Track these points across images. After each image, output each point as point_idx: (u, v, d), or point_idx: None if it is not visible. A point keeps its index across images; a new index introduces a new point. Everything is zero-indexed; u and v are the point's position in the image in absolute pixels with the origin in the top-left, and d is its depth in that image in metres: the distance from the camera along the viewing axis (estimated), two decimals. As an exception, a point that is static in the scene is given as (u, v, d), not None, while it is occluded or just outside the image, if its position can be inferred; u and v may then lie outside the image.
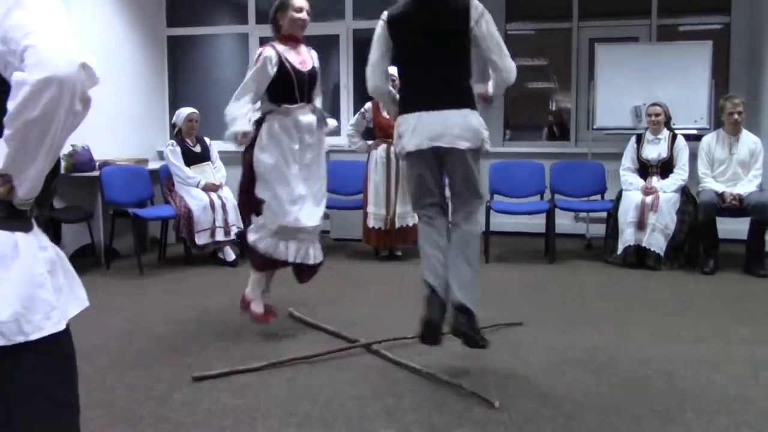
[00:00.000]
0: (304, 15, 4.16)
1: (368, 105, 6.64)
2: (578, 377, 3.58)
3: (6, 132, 1.45)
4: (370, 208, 6.53)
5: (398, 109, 3.69)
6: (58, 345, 1.62)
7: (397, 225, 6.47)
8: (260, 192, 4.09)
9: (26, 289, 1.52)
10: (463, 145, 3.46)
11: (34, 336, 1.52)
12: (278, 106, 4.09)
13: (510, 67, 3.60)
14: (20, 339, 1.50)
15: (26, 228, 1.58)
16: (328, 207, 7.09)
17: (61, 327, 1.59)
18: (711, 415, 3.09)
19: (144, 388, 3.44)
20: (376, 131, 6.61)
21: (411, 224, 6.49)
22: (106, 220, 6.47)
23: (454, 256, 3.57)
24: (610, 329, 4.40)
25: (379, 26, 3.66)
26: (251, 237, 4.15)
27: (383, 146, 6.51)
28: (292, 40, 4.16)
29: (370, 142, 6.66)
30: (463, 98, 3.53)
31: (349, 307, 4.94)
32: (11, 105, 1.43)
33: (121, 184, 6.37)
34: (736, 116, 6.10)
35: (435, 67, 3.53)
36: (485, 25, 3.51)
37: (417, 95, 3.57)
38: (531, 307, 4.88)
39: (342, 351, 3.94)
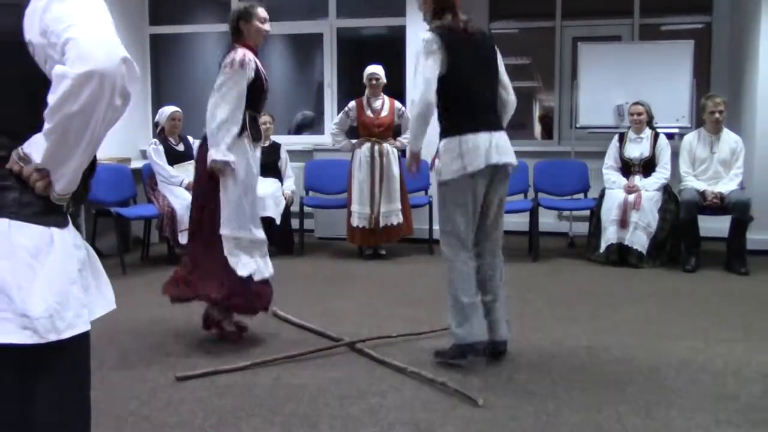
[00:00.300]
0: (268, 26, 4.10)
1: (352, 104, 6.64)
2: (561, 374, 3.60)
3: (46, 126, 1.44)
4: (354, 207, 6.53)
5: (444, 129, 3.69)
6: (84, 344, 1.61)
7: (382, 224, 6.47)
8: (227, 206, 3.93)
9: (60, 284, 1.50)
10: (514, 162, 3.73)
11: (67, 334, 1.50)
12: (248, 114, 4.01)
13: (515, 100, 3.87)
14: (53, 337, 1.48)
15: (62, 224, 1.57)
16: (311, 205, 7.16)
17: (88, 327, 1.57)
18: (692, 412, 3.12)
19: (127, 387, 3.42)
20: (360, 130, 6.62)
21: (395, 223, 6.51)
22: (89, 220, 6.43)
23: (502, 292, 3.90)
24: (593, 327, 4.42)
25: (434, 42, 3.59)
26: (242, 270, 3.94)
27: (367, 145, 6.51)
28: (252, 50, 4.05)
29: (354, 141, 6.66)
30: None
31: (333, 306, 4.94)
32: (51, 98, 1.41)
33: (103, 184, 6.32)
34: (717, 115, 6.15)
35: (488, 92, 3.75)
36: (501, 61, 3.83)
37: (478, 116, 3.66)
38: (514, 305, 4.87)
39: (326, 350, 3.94)
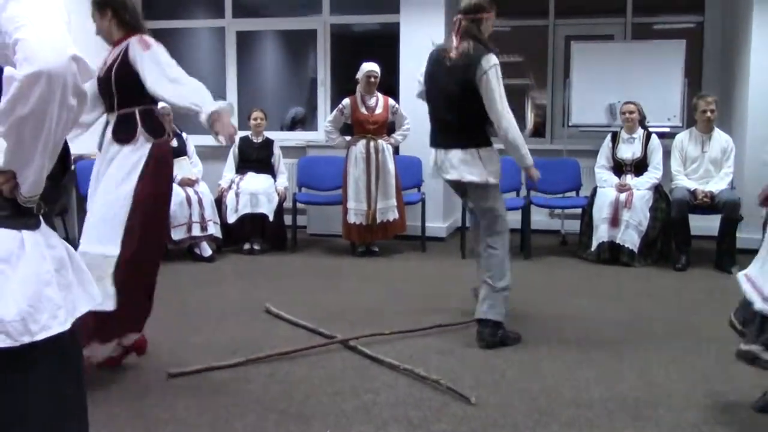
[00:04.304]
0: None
1: (346, 101, 6.64)
2: (552, 371, 3.63)
3: (0, 129, 1.44)
4: (351, 204, 6.53)
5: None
6: (65, 343, 1.60)
7: (378, 220, 6.48)
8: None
9: (32, 287, 1.50)
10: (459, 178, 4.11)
11: (41, 336, 1.50)
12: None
13: (504, 135, 3.99)
14: (26, 339, 1.48)
15: (33, 226, 1.56)
16: (303, 202, 7.17)
17: (68, 326, 1.57)
18: (681, 410, 3.15)
19: (120, 384, 3.43)
20: (355, 127, 6.62)
21: (391, 219, 6.51)
22: (81, 216, 6.39)
23: None
24: (584, 324, 4.45)
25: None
26: None
27: (362, 141, 6.52)
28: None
29: (348, 138, 6.67)
30: None
31: (326, 303, 4.95)
32: (3, 101, 1.41)
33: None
34: (708, 114, 6.19)
35: (448, 115, 4.12)
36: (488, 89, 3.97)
37: (434, 133, 4.22)
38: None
39: (319, 347, 3.96)
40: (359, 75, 6.57)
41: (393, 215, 6.52)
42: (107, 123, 3.52)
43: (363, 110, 6.54)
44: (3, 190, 1.50)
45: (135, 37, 3.38)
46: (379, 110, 6.56)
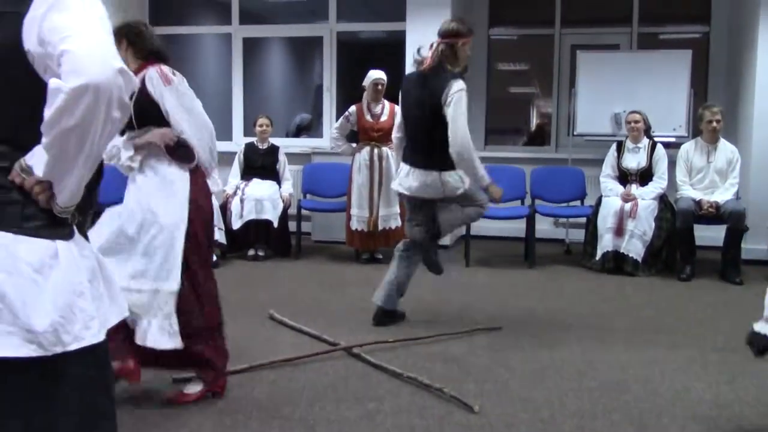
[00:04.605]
0: None
1: (352, 108, 6.66)
2: (556, 381, 3.63)
3: (43, 140, 1.42)
4: (354, 211, 6.55)
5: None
6: (97, 354, 1.58)
7: (380, 227, 6.49)
8: None
9: (65, 298, 1.49)
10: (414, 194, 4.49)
11: (73, 346, 1.49)
12: None
13: (453, 146, 4.17)
14: (58, 349, 1.47)
15: (67, 236, 1.54)
16: (308, 209, 7.18)
17: (101, 337, 1.55)
18: (685, 421, 3.15)
19: (123, 388, 3.43)
20: (360, 134, 6.64)
21: (393, 227, 6.52)
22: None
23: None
24: (588, 334, 4.45)
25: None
26: None
27: (367, 149, 6.53)
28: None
29: (354, 145, 6.68)
30: None
31: (330, 310, 4.96)
32: (47, 113, 1.39)
33: (101, 184, 6.33)
34: (714, 124, 6.18)
35: (419, 134, 4.45)
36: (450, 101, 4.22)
37: (406, 152, 4.55)
38: (510, 312, 4.92)
39: (323, 354, 3.96)
40: (366, 83, 6.58)
41: (395, 223, 6.52)
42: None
43: (368, 118, 6.55)
44: (39, 200, 1.49)
45: (153, 68, 3.23)
46: (384, 117, 6.57)
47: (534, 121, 9.38)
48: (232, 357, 3.84)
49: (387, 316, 4.59)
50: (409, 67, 7.29)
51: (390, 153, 6.56)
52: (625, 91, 7.05)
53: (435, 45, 4.29)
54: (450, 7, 7.22)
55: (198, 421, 3.09)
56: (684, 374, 3.75)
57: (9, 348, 1.43)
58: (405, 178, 4.43)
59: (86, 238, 1.64)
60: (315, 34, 8.50)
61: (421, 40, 7.24)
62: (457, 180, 4.31)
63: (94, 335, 1.53)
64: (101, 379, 1.63)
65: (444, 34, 4.28)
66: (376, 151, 6.51)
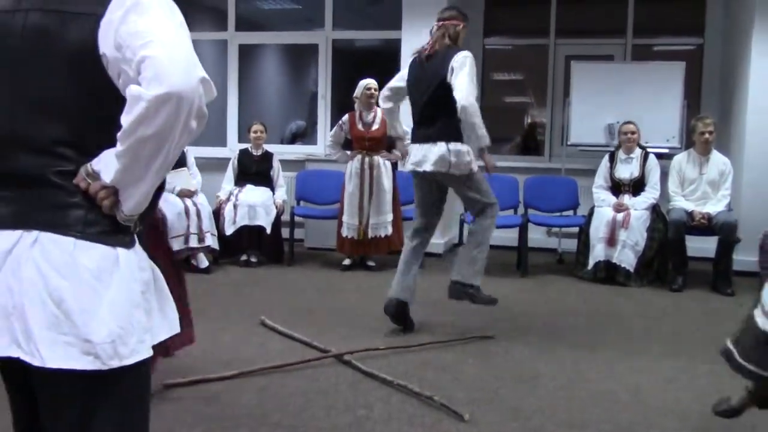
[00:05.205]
0: None
1: (345, 117, 6.67)
2: (547, 391, 3.63)
3: (118, 147, 1.38)
4: (345, 218, 6.56)
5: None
6: (144, 370, 1.54)
7: (370, 235, 6.49)
8: None
9: (124, 308, 1.43)
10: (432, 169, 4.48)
11: (130, 360, 1.43)
12: None
13: (460, 104, 4.26)
14: (115, 363, 1.41)
15: (128, 244, 1.49)
16: (302, 215, 7.18)
17: (151, 353, 1.49)
18: None
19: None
20: (353, 143, 6.64)
21: (383, 235, 6.52)
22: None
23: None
24: (580, 343, 4.45)
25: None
26: None
27: (358, 157, 6.54)
28: None
29: (349, 153, 6.69)
30: None
31: (322, 317, 4.95)
32: (125, 120, 1.35)
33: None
34: (707, 136, 6.21)
35: (425, 109, 4.55)
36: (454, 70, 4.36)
37: (415, 130, 4.65)
38: (502, 321, 4.92)
39: (314, 361, 3.95)
40: (357, 92, 6.59)
41: (385, 231, 6.51)
42: None
43: (360, 127, 6.56)
44: (104, 205, 1.44)
45: None
46: (376, 126, 6.57)
47: (525, 130, 9.38)
48: (223, 363, 3.86)
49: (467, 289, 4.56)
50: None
51: (382, 162, 6.57)
52: (618, 102, 7.08)
53: (436, 28, 4.46)
54: (445, 16, 7.24)
55: (186, 426, 3.08)
56: (674, 385, 3.75)
57: (67, 359, 1.38)
58: (414, 156, 4.50)
59: (145, 248, 1.58)
60: (311, 41, 8.52)
61: (416, 47, 7.31)
62: (464, 152, 4.38)
63: (148, 349, 1.48)
64: (142, 396, 1.59)
65: (448, 17, 4.47)
66: (367, 159, 6.51)
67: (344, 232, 6.57)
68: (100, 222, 1.45)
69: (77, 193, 1.44)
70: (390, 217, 6.55)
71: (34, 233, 1.42)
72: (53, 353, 1.38)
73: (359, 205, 6.50)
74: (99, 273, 1.42)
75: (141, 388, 1.57)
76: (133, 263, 1.49)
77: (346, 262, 6.77)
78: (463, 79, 4.20)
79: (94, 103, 1.46)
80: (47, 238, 1.42)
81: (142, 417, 1.59)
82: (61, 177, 1.44)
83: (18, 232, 1.43)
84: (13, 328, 1.40)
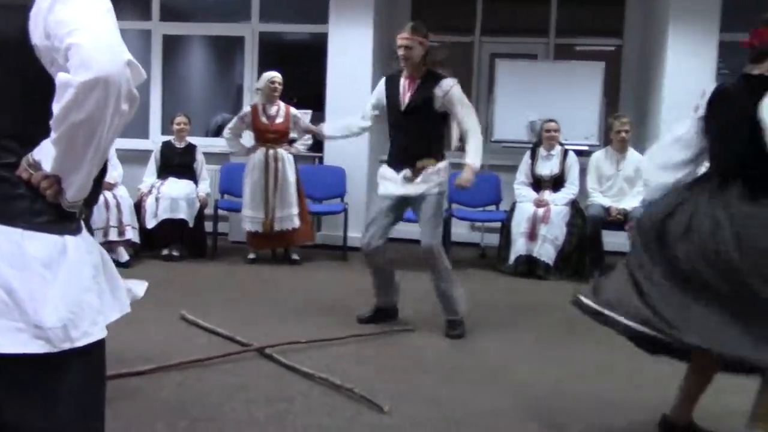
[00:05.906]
0: None
1: (247, 109, 6.62)
2: (470, 382, 3.69)
3: (52, 135, 1.41)
4: (246, 212, 6.50)
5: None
6: (96, 352, 1.58)
7: (277, 228, 6.44)
8: None
9: (74, 293, 1.48)
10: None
11: (81, 342, 1.48)
12: None
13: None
14: (66, 346, 1.46)
15: (75, 230, 1.54)
16: (225, 209, 7.09)
17: (105, 333, 1.55)
18: (591, 421, 3.25)
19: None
20: (256, 136, 6.58)
21: (290, 228, 6.47)
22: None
23: None
24: (502, 336, 4.54)
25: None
26: None
27: (262, 149, 6.47)
28: None
29: (248, 146, 6.63)
30: None
31: (244, 311, 4.91)
32: (56, 107, 1.38)
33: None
34: (623, 134, 6.40)
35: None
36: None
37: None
38: (423, 314, 4.97)
39: (234, 354, 3.92)
40: (260, 84, 6.53)
41: (292, 224, 6.48)
42: None
43: (263, 119, 6.49)
44: (46, 195, 1.47)
45: None
46: (279, 119, 6.51)
47: (454, 129, 9.48)
48: (143, 358, 3.79)
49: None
50: (332, 69, 7.36)
51: (286, 155, 6.51)
52: (541, 100, 7.24)
53: (416, 44, 4.56)
54: (372, 11, 7.28)
55: (105, 421, 3.01)
56: (593, 376, 3.86)
57: (18, 344, 1.42)
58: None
59: (91, 232, 1.62)
60: (237, 33, 8.41)
61: (342, 42, 7.33)
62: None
63: (101, 331, 1.53)
64: (97, 377, 1.64)
65: (425, 35, 4.62)
66: (271, 152, 6.45)
67: (247, 227, 6.51)
68: (46, 211, 1.48)
69: (21, 184, 1.48)
70: (296, 209, 6.50)
71: None
72: (4, 339, 1.41)
73: (264, 198, 6.44)
74: (48, 262, 1.46)
75: (97, 368, 1.62)
76: (81, 249, 1.53)
77: (251, 255, 6.73)
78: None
79: (32, 93, 1.49)
80: None
81: (100, 396, 1.65)
82: (4, 169, 1.48)
83: None
84: None
